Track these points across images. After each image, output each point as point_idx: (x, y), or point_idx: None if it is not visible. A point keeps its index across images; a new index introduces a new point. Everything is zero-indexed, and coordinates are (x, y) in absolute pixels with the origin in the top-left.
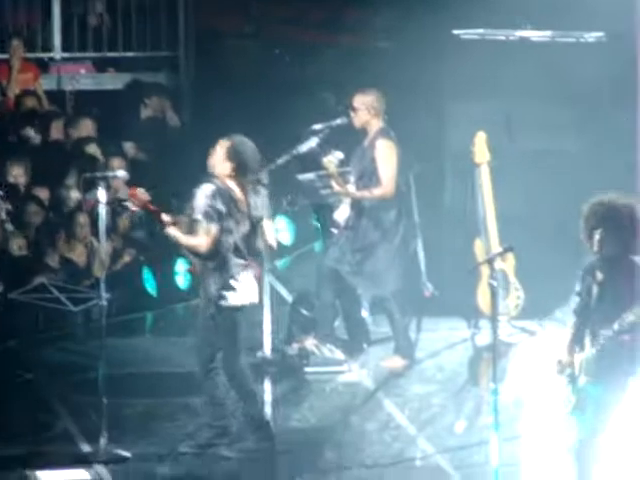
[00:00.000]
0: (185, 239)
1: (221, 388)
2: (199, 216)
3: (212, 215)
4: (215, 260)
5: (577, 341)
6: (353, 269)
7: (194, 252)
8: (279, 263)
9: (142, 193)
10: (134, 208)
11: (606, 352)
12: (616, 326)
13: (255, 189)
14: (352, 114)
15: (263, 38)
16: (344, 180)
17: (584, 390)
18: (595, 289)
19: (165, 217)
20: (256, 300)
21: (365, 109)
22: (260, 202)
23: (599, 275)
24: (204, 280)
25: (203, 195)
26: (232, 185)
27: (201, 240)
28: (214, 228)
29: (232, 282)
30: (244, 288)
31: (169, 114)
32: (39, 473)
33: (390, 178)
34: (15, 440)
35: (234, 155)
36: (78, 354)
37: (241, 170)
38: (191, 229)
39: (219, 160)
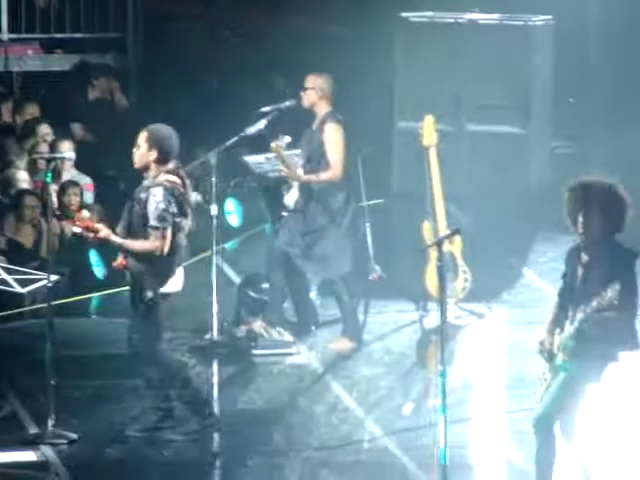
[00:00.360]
0: (138, 245)
1: (162, 371)
2: (154, 222)
3: (167, 218)
4: (164, 259)
5: (558, 322)
6: (303, 252)
7: (145, 254)
8: (228, 245)
9: (84, 216)
10: (79, 231)
11: (584, 330)
12: (594, 303)
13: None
14: (302, 94)
15: (212, 20)
16: (292, 163)
17: (560, 368)
18: (580, 271)
19: (106, 235)
20: (181, 287)
21: (315, 90)
22: (190, 185)
23: (584, 257)
24: (143, 273)
25: (155, 201)
26: (173, 179)
27: (157, 244)
28: (169, 230)
29: (171, 275)
30: (177, 277)
31: (117, 95)
32: None
33: (338, 161)
34: None
35: (157, 142)
36: (25, 336)
37: (166, 155)
38: (141, 233)
39: (144, 152)
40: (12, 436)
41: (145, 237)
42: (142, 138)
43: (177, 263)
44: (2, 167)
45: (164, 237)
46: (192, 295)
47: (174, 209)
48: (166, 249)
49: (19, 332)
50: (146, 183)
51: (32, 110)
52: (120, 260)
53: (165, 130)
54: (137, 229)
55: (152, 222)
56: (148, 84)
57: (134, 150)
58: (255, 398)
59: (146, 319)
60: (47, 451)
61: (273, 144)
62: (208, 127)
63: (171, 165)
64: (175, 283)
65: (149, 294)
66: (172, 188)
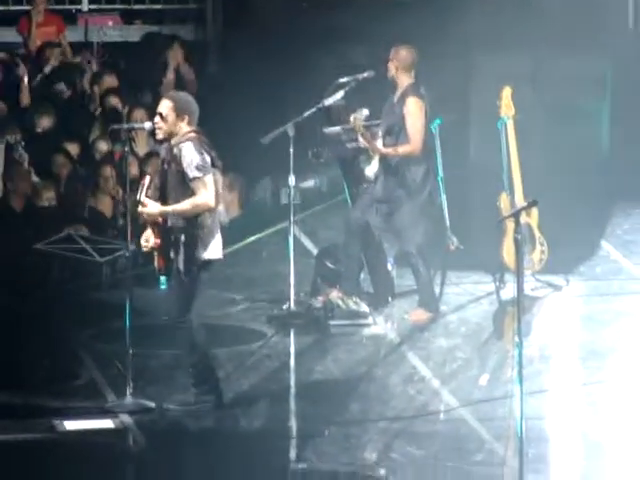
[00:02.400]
0: (189, 205)
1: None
2: (195, 173)
3: (206, 167)
4: (207, 221)
5: None
6: (378, 222)
7: (202, 211)
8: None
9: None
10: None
11: None
12: None
13: None
14: (387, 65)
15: None
16: (372, 135)
17: None
18: None
19: (153, 209)
20: (221, 255)
21: (394, 62)
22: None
23: None
24: (189, 241)
25: (190, 152)
26: (196, 135)
27: (206, 196)
28: (210, 178)
29: (213, 237)
30: (217, 242)
31: (183, 68)
32: (65, 422)
33: (418, 136)
34: (42, 389)
35: (186, 108)
36: (104, 304)
37: (194, 116)
38: (181, 191)
39: (172, 120)
40: (91, 403)
41: (187, 195)
42: (167, 108)
43: (217, 226)
44: (81, 138)
45: (207, 185)
46: (269, 265)
47: (208, 158)
48: (214, 200)
49: (97, 301)
50: (173, 142)
51: (110, 80)
52: (153, 240)
53: (187, 95)
54: (176, 187)
55: (193, 173)
56: (226, 55)
57: (157, 120)
58: (331, 368)
59: (183, 289)
60: (125, 419)
61: (352, 117)
62: (286, 97)
63: (191, 125)
64: (216, 249)
65: (201, 257)
66: (199, 141)
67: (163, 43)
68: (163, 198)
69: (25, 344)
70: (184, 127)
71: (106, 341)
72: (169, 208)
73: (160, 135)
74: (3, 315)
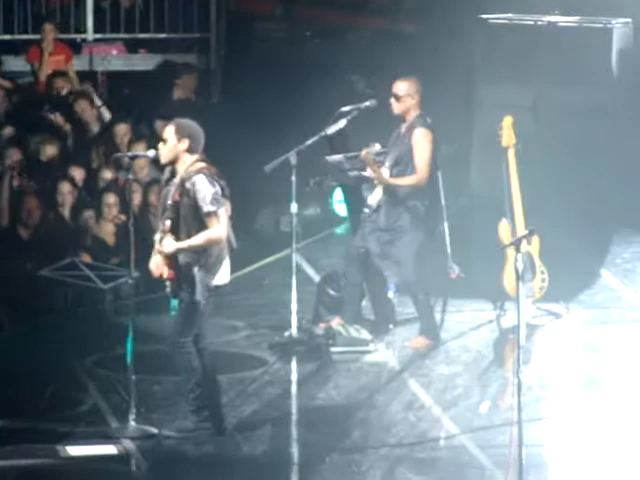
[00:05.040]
0: (203, 239)
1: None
2: (210, 207)
3: (218, 200)
4: (215, 250)
5: None
6: (379, 250)
7: (212, 245)
8: (339, 230)
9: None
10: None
11: None
12: None
13: None
14: (394, 101)
15: (293, 20)
16: (378, 164)
17: None
18: None
19: (171, 248)
20: (229, 280)
21: (411, 96)
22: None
23: None
24: (193, 269)
25: (203, 186)
26: (207, 165)
27: (219, 229)
28: (223, 211)
29: (221, 264)
30: (225, 268)
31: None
32: (68, 448)
33: (425, 167)
34: (44, 415)
35: (187, 131)
36: (107, 331)
37: (197, 143)
38: (195, 224)
39: (174, 143)
40: (94, 429)
41: (200, 227)
42: (169, 132)
43: (225, 253)
44: (86, 165)
45: (220, 219)
46: (271, 293)
47: (219, 190)
48: (225, 233)
49: (101, 328)
50: (182, 175)
51: (113, 109)
52: (167, 272)
53: (191, 122)
54: (188, 221)
55: (207, 208)
56: (230, 84)
57: (160, 146)
58: (333, 395)
59: (187, 315)
60: (128, 445)
61: (364, 151)
62: (288, 127)
63: (198, 155)
64: (223, 275)
65: (199, 294)
66: (210, 172)
67: (172, 71)
68: (175, 231)
69: (29, 370)
70: (187, 156)
71: (109, 368)
72: (184, 244)
73: (162, 160)
74: (6, 342)
